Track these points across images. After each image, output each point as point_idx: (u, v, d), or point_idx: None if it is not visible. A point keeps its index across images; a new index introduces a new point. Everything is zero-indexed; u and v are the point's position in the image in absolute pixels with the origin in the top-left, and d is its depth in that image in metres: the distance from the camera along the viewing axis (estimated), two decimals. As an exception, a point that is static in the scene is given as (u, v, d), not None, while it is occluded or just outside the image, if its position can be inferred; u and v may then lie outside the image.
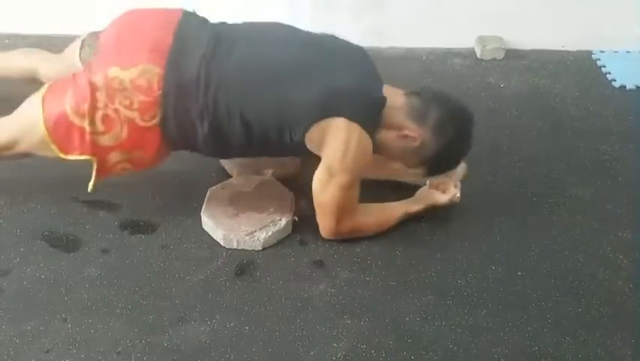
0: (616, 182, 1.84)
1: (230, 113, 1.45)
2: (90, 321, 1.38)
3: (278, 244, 1.59)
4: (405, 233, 1.63)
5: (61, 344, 1.34)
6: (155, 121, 1.45)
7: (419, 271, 1.54)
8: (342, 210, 1.52)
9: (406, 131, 1.50)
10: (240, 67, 1.46)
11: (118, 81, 1.43)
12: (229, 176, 1.75)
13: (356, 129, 1.44)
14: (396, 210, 1.62)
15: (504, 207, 1.73)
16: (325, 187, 1.49)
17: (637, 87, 2.26)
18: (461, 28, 2.41)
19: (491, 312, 1.44)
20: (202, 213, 1.61)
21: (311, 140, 1.46)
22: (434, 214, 1.66)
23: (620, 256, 1.60)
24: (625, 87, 2.26)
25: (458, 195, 1.63)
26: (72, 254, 1.53)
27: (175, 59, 1.45)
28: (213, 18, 1.61)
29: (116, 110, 1.43)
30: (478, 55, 2.41)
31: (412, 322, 1.42)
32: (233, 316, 1.41)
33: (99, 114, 1.43)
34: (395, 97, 1.52)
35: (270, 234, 1.57)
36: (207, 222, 1.60)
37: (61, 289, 1.45)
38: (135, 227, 1.61)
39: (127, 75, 1.43)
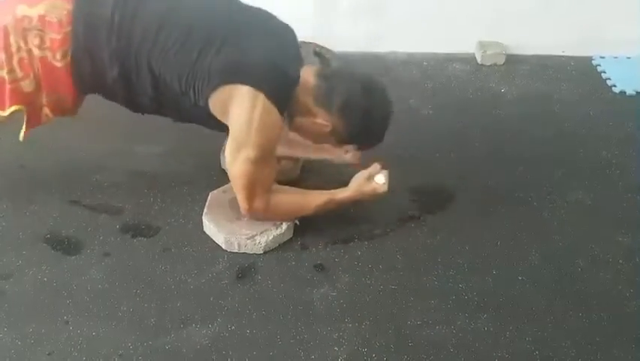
0: (616, 187, 1.84)
1: (138, 62, 1.43)
2: (92, 324, 1.38)
3: (279, 247, 1.59)
4: (405, 237, 1.64)
5: (62, 347, 1.34)
6: (67, 60, 1.43)
7: (420, 275, 1.54)
8: (254, 186, 1.49)
9: (317, 120, 1.47)
10: (156, 17, 1.44)
11: (27, 20, 1.41)
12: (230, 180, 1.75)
13: (260, 100, 1.40)
14: (318, 195, 1.59)
15: (505, 212, 1.73)
16: (234, 159, 1.47)
17: (637, 93, 2.27)
18: (462, 34, 2.42)
19: (492, 316, 1.45)
20: (203, 217, 1.62)
21: (214, 106, 1.44)
22: (433, 219, 1.66)
23: (621, 261, 1.60)
24: (625, 93, 2.27)
25: (384, 182, 1.57)
26: (74, 257, 1.54)
27: (84, 6, 1.43)
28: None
29: (29, 51, 1.42)
30: (479, 60, 2.41)
31: (413, 326, 1.42)
32: (235, 319, 1.41)
33: (15, 60, 1.43)
34: (309, 76, 1.48)
35: (271, 237, 1.57)
36: (208, 226, 1.60)
37: (62, 292, 1.45)
38: (137, 230, 1.62)
39: (35, 12, 1.40)
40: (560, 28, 2.41)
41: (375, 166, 1.59)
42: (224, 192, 1.68)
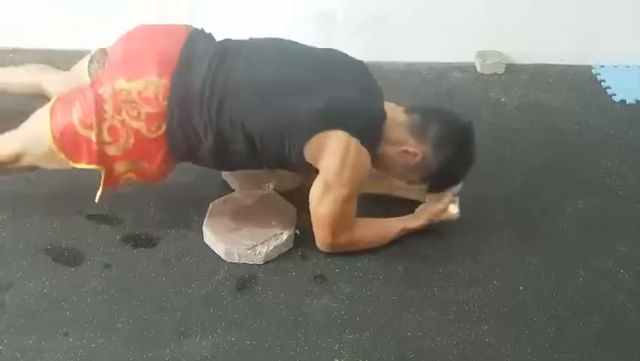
0: (617, 196, 1.84)
1: (233, 125, 1.47)
2: (92, 336, 1.38)
3: (279, 258, 1.59)
4: (406, 247, 1.63)
5: (62, 358, 1.33)
6: (161, 132, 1.47)
7: (420, 285, 1.54)
8: (339, 224, 1.52)
9: (406, 147, 1.50)
10: (243, 79, 1.48)
11: (125, 93, 1.45)
12: (231, 190, 1.75)
13: (354, 143, 1.45)
14: (394, 226, 1.62)
15: (505, 222, 1.73)
16: (322, 200, 1.50)
17: (637, 101, 2.27)
18: (461, 43, 2.42)
19: (493, 327, 1.44)
20: (204, 227, 1.62)
21: (310, 152, 1.47)
22: (435, 229, 1.66)
23: (622, 271, 1.60)
24: (625, 101, 2.27)
25: (457, 211, 1.63)
26: (74, 268, 1.54)
27: (181, 72, 1.47)
28: (216, 33, 1.63)
29: (122, 121, 1.46)
30: (479, 69, 2.42)
31: (414, 337, 1.42)
32: (235, 330, 1.41)
33: (106, 125, 1.46)
34: (395, 113, 1.53)
35: (271, 248, 1.57)
36: (209, 236, 1.60)
37: (62, 303, 1.45)
38: (137, 241, 1.62)
39: (134, 87, 1.45)
40: (559, 38, 2.41)
41: (449, 197, 1.62)
42: (224, 202, 1.68)
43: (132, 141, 1.47)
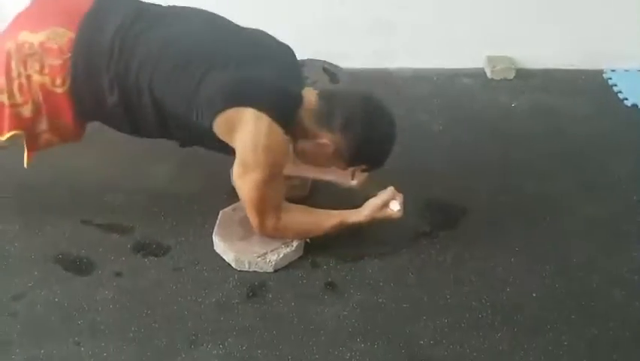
0: (630, 201, 1.82)
1: (139, 87, 1.44)
2: (103, 345, 1.38)
3: (289, 265, 1.58)
4: (417, 254, 1.62)
5: (73, 368, 1.34)
6: (66, 87, 1.44)
7: (432, 293, 1.53)
8: (264, 205, 1.49)
9: (319, 140, 1.47)
10: (157, 44, 1.45)
11: (28, 45, 1.42)
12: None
13: (265, 121, 1.40)
14: (331, 217, 1.58)
15: (517, 228, 1.72)
16: (242, 181, 1.48)
17: (649, 105, 2.26)
18: (471, 49, 2.42)
19: (506, 335, 1.43)
20: (214, 236, 1.62)
21: (219, 128, 1.44)
22: (446, 235, 1.65)
23: (636, 277, 1.58)
24: (637, 106, 2.25)
25: (398, 208, 1.56)
26: (85, 277, 1.54)
27: (89, 24, 1.43)
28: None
29: (28, 77, 1.43)
30: (489, 75, 2.41)
31: (426, 345, 1.40)
32: (245, 339, 1.41)
33: (15, 85, 1.44)
34: (310, 98, 1.48)
35: (281, 256, 1.57)
36: (219, 245, 1.60)
37: (74, 312, 1.45)
38: (148, 250, 1.62)
39: (36, 38, 1.41)
40: (569, 42, 2.40)
41: (389, 192, 1.58)
42: (234, 210, 1.68)
43: (41, 97, 1.44)
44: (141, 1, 1.57)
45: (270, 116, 1.41)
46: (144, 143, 1.71)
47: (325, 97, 1.49)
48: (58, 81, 1.44)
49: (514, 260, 1.62)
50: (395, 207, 1.56)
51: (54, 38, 1.42)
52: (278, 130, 1.42)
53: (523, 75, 2.41)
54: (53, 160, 1.80)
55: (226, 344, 1.39)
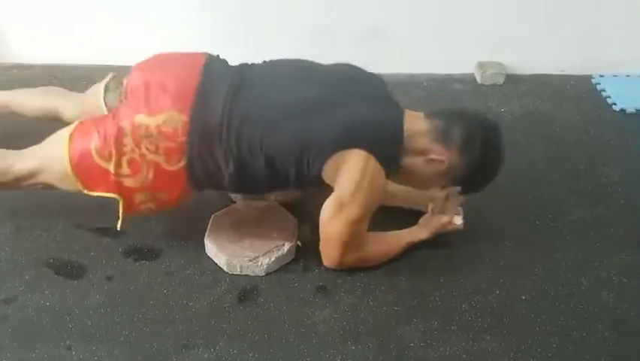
0: (618, 205, 1.84)
1: (253, 152, 1.46)
2: (94, 349, 1.38)
3: (281, 269, 1.59)
4: (408, 258, 1.63)
5: (65, 371, 1.34)
6: (181, 165, 1.46)
7: (423, 296, 1.54)
8: (349, 244, 1.51)
9: (432, 156, 1.47)
10: (260, 105, 1.47)
11: (144, 128, 1.44)
12: (232, 201, 1.76)
13: (372, 162, 1.42)
14: (400, 239, 1.61)
15: (507, 231, 1.73)
16: (334, 218, 1.47)
17: (637, 110, 2.27)
18: (461, 54, 2.44)
19: (496, 337, 1.44)
20: (205, 239, 1.62)
21: (328, 172, 1.45)
22: (436, 239, 1.66)
23: (624, 280, 1.59)
24: (625, 111, 2.28)
25: (461, 222, 1.62)
26: (77, 281, 1.54)
27: (200, 104, 1.46)
28: (222, 51, 1.64)
29: (142, 155, 1.45)
30: (479, 80, 2.43)
31: (417, 348, 1.41)
32: (237, 342, 1.41)
33: (125, 158, 1.45)
34: (416, 121, 1.50)
35: (273, 259, 1.57)
36: (211, 248, 1.61)
37: (65, 316, 1.45)
38: (139, 254, 1.62)
39: (153, 122, 1.44)
40: (559, 48, 2.42)
41: (454, 209, 1.61)
42: (226, 214, 1.69)
43: (152, 174, 1.46)
44: (237, 65, 1.59)
45: (377, 156, 1.42)
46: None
47: (437, 115, 1.51)
48: (173, 161, 1.46)
49: (503, 263, 1.63)
50: (458, 221, 1.61)
51: (169, 122, 1.44)
52: (381, 171, 1.44)
53: (513, 80, 2.43)
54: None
55: (217, 347, 1.40)
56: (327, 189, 1.49)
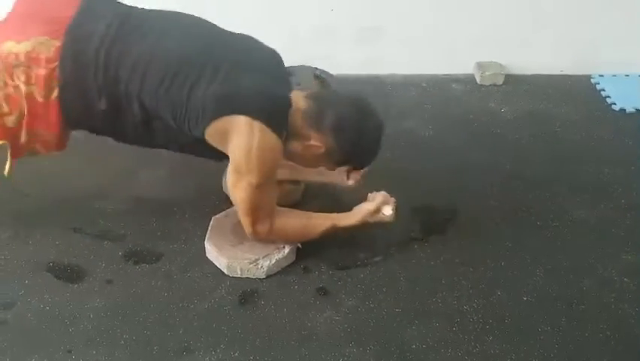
0: (619, 204, 1.84)
1: (129, 96, 1.44)
2: (94, 353, 1.38)
3: (281, 271, 1.59)
4: (408, 259, 1.63)
5: (65, 376, 1.33)
6: (54, 96, 1.44)
7: (424, 297, 1.53)
8: (257, 210, 1.50)
9: (310, 142, 1.48)
10: (144, 53, 1.44)
11: (13, 56, 1.41)
12: (232, 204, 1.75)
13: (258, 128, 1.41)
14: (325, 219, 1.59)
15: (508, 232, 1.73)
16: (236, 186, 1.48)
17: (636, 110, 2.28)
18: (460, 55, 2.44)
19: (497, 338, 1.43)
20: (206, 242, 1.62)
21: (211, 137, 1.44)
22: (436, 240, 1.65)
23: (626, 280, 1.59)
24: (624, 110, 2.28)
25: (391, 213, 1.57)
26: (76, 285, 1.53)
27: (74, 33, 1.43)
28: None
29: (16, 87, 1.43)
30: (478, 81, 2.43)
31: (418, 349, 1.41)
32: (238, 345, 1.40)
33: (1, 95, 1.44)
34: (298, 100, 1.49)
35: (273, 262, 1.57)
36: (211, 251, 1.60)
37: (65, 320, 1.44)
38: (139, 257, 1.62)
39: (22, 48, 1.41)
40: (558, 48, 2.42)
41: (382, 196, 1.59)
42: (226, 216, 1.68)
43: (26, 107, 1.43)
44: (125, 5, 1.56)
45: (263, 122, 1.41)
46: (134, 149, 1.71)
47: (314, 98, 1.50)
48: (46, 90, 1.43)
49: (504, 264, 1.63)
50: (387, 211, 1.57)
51: (39, 48, 1.41)
52: (271, 135, 1.43)
53: (512, 81, 2.43)
54: (43, 168, 1.80)
55: (218, 350, 1.39)
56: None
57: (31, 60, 1.41)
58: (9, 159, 1.50)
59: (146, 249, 1.64)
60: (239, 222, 1.65)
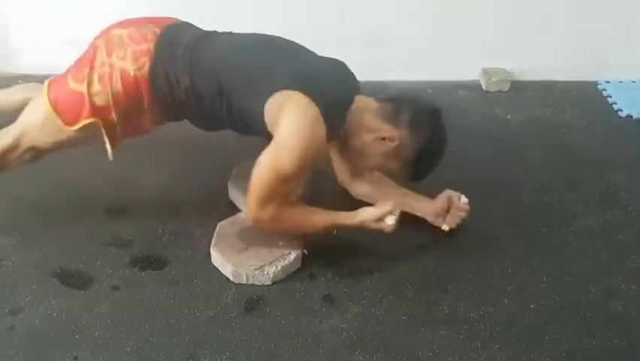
0: (626, 211, 1.83)
1: (207, 74, 1.51)
2: (100, 359, 1.38)
3: (287, 278, 1.58)
4: (415, 266, 1.63)
5: (71, 382, 1.33)
6: (145, 69, 1.51)
7: (430, 304, 1.53)
8: (269, 199, 1.47)
9: (382, 133, 1.50)
10: (224, 45, 1.57)
11: (117, 37, 1.53)
12: (238, 210, 1.75)
13: (314, 113, 1.41)
14: (323, 214, 1.57)
15: (514, 239, 1.72)
16: (264, 162, 1.45)
17: (643, 116, 2.27)
18: (466, 61, 2.44)
19: (504, 346, 1.43)
20: (211, 248, 1.62)
21: (269, 114, 1.45)
22: (443, 247, 1.65)
23: (633, 287, 1.58)
24: (631, 117, 2.27)
25: (392, 223, 1.55)
26: (83, 291, 1.54)
27: (172, 28, 1.58)
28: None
29: (111, 65, 1.51)
30: (484, 87, 2.43)
31: (425, 357, 1.40)
32: (244, 352, 1.40)
33: (96, 74, 1.51)
34: (368, 102, 1.55)
35: (279, 268, 1.57)
36: (217, 258, 1.60)
37: (72, 327, 1.45)
38: (145, 263, 1.62)
39: (126, 31, 1.54)
40: (564, 54, 2.42)
41: (389, 206, 1.56)
42: (232, 223, 1.69)
43: (120, 83, 1.50)
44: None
45: (321, 108, 1.42)
46: (142, 155, 1.72)
47: (390, 98, 1.57)
48: (139, 64, 1.51)
49: (511, 271, 1.62)
50: (390, 221, 1.55)
51: (141, 30, 1.54)
52: (322, 126, 1.43)
53: (519, 87, 2.43)
54: (50, 173, 1.80)
55: (224, 357, 1.39)
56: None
57: (132, 39, 1.53)
58: (106, 139, 1.55)
59: (152, 255, 1.64)
60: (244, 229, 1.66)
